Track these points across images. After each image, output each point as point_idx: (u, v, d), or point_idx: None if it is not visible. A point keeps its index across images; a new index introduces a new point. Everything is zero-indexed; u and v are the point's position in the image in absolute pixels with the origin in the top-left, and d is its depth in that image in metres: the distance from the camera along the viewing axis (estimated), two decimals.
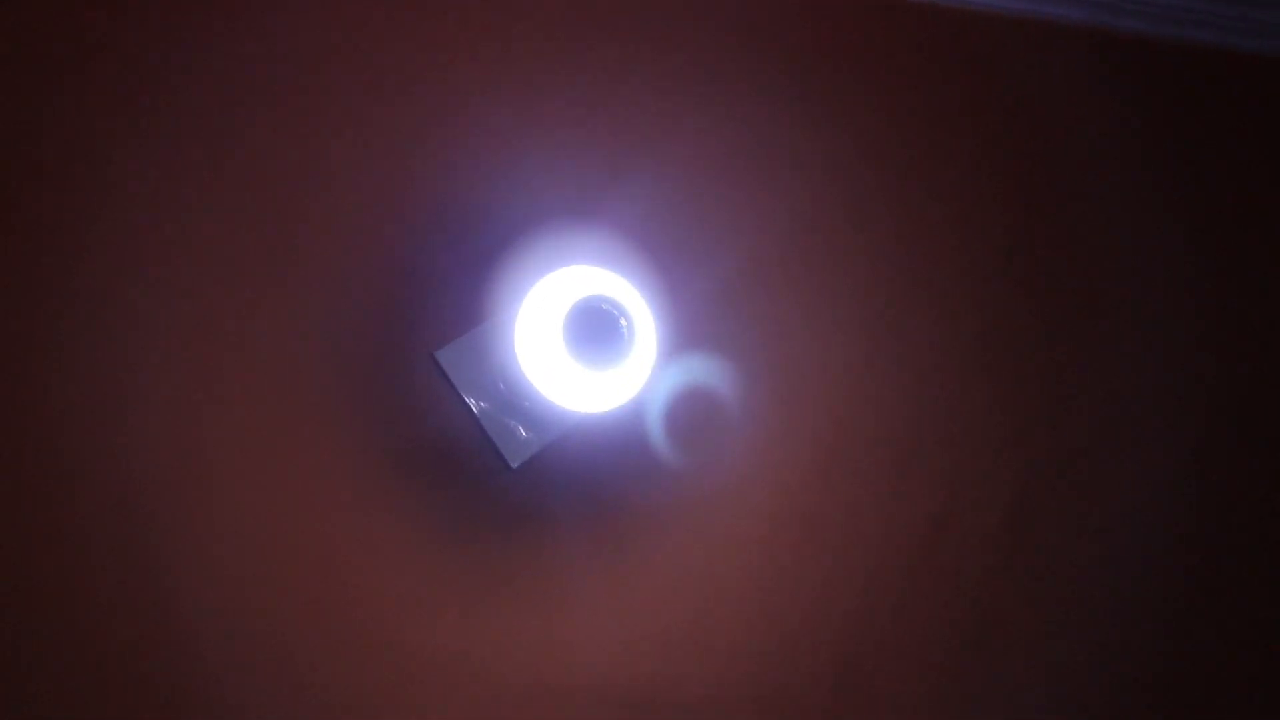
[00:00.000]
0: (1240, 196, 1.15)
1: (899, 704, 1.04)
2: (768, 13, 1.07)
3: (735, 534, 1.03)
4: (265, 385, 0.95)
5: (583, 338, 0.90)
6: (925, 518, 1.06)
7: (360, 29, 0.99)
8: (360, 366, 0.97)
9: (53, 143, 0.93)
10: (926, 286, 1.09)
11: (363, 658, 0.95)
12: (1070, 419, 1.09)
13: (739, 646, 1.01)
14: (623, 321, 0.91)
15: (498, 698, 0.97)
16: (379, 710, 0.95)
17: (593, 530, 1.00)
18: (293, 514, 0.95)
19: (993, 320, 1.09)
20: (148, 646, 0.92)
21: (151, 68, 0.95)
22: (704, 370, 1.02)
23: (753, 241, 1.05)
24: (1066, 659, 1.07)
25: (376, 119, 0.99)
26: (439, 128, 1.00)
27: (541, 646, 0.98)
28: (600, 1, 1.04)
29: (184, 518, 0.93)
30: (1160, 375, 1.12)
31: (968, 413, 1.08)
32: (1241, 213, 1.14)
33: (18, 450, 0.91)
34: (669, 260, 1.02)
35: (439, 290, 0.99)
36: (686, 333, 1.02)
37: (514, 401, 0.98)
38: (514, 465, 0.98)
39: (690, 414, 1.01)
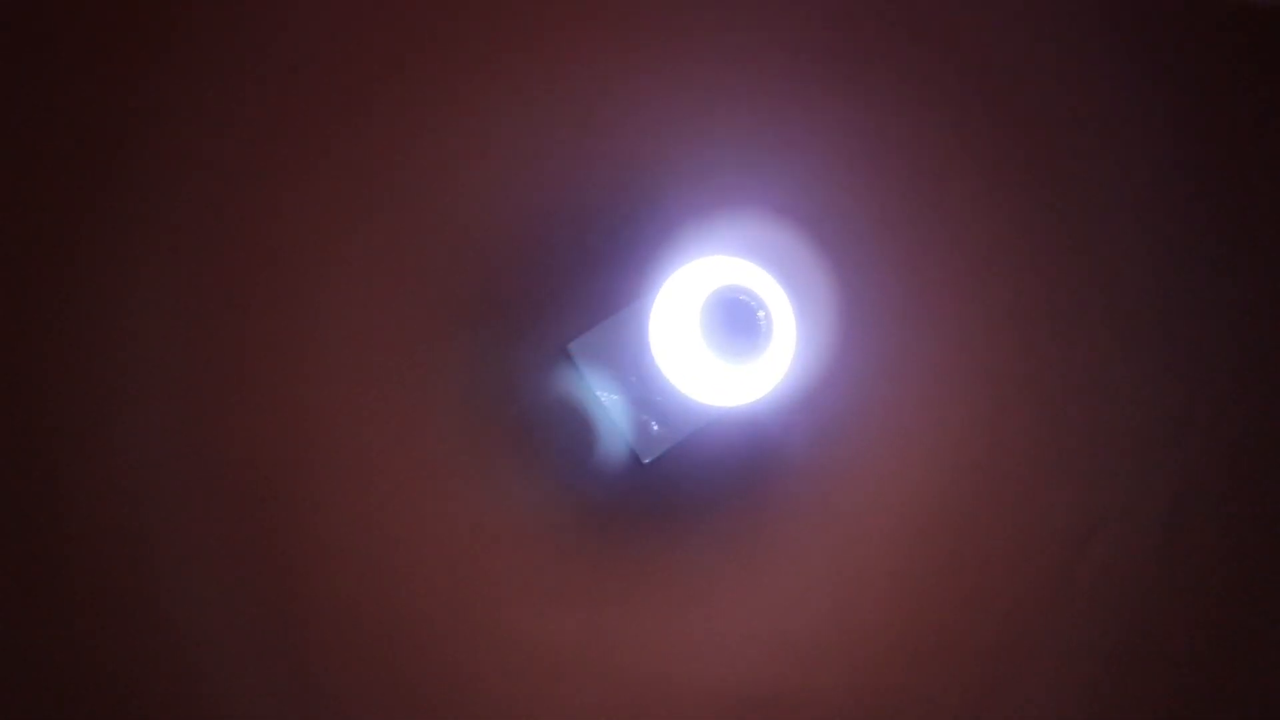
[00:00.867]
0: None
1: (1046, 709, 0.98)
2: None
3: (874, 534, 0.99)
4: (394, 376, 0.96)
5: (720, 330, 0.87)
6: (1077, 519, 1.00)
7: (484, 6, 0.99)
8: (491, 359, 0.96)
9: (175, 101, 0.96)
10: (1085, 280, 1.02)
11: (483, 649, 0.95)
12: (1235, 408, 1.01)
13: (876, 650, 0.98)
14: (761, 314, 0.87)
15: (619, 695, 0.96)
16: (496, 702, 0.95)
17: (725, 527, 0.97)
18: (418, 503, 0.95)
19: (1148, 300, 1.02)
20: (267, 625, 0.93)
21: (284, 41, 0.96)
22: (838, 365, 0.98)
23: (899, 236, 1.01)
24: (1228, 673, 0.99)
25: (507, 101, 0.98)
26: (572, 114, 0.99)
27: (667, 644, 0.96)
28: None
29: (306, 501, 0.94)
30: None
31: (1122, 408, 1.01)
32: None
33: (140, 426, 0.93)
34: (810, 252, 0.99)
35: (573, 281, 0.98)
36: (827, 326, 0.98)
37: (647, 395, 0.96)
38: (646, 460, 0.96)
39: (831, 410, 0.98)
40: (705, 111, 1.00)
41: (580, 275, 0.98)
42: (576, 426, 0.97)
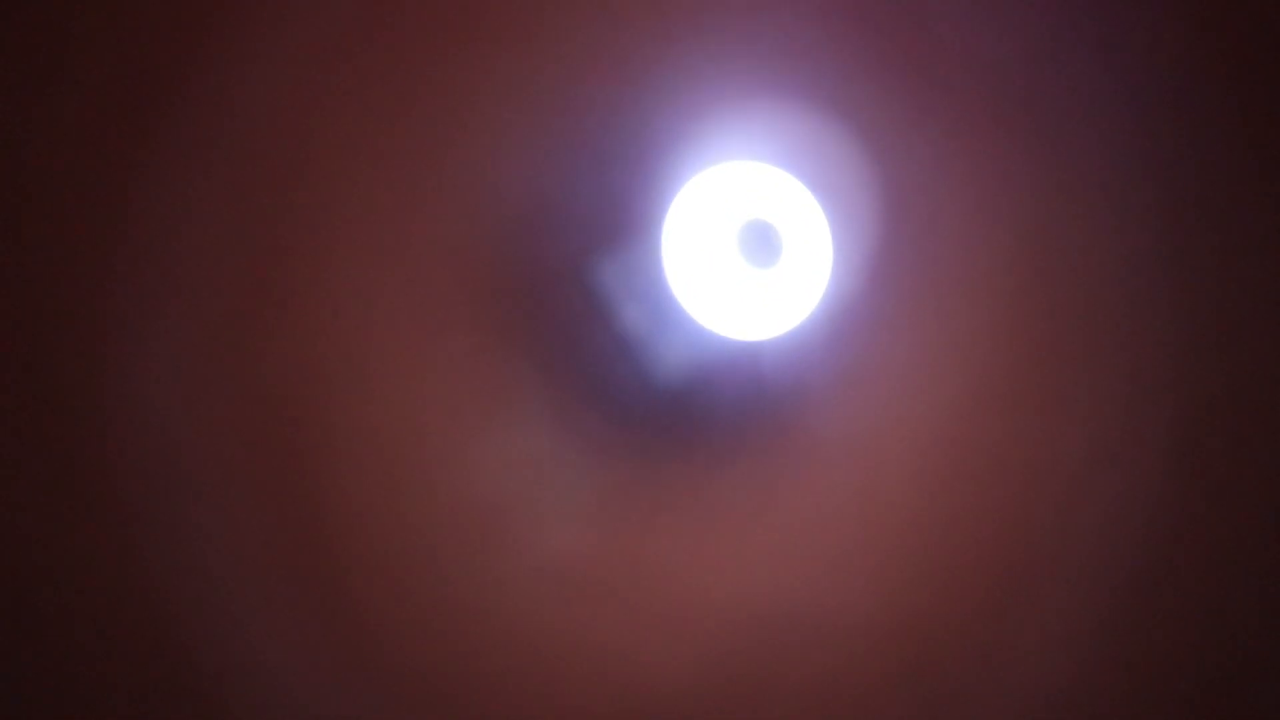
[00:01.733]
0: None
1: (1059, 634, 0.95)
2: None
3: (898, 464, 0.95)
4: (412, 297, 0.92)
5: (742, 250, 0.81)
6: (1086, 446, 0.95)
7: None
8: (505, 280, 0.92)
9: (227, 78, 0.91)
10: (1100, 197, 0.95)
11: (501, 572, 0.93)
12: (1247, 341, 0.95)
13: (896, 571, 0.94)
14: (788, 232, 0.80)
15: (640, 613, 0.94)
16: (514, 622, 0.93)
17: (744, 456, 0.93)
18: (437, 425, 0.92)
19: (1160, 236, 0.95)
20: (297, 537, 0.91)
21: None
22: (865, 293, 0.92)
23: (946, 140, 0.94)
24: (1240, 606, 0.95)
25: (518, 11, 0.92)
26: (587, 19, 0.92)
27: (685, 568, 0.94)
28: None
29: (328, 421, 0.92)
30: None
31: (1134, 337, 0.95)
32: None
33: (181, 338, 0.90)
34: (843, 160, 0.92)
35: (590, 197, 0.92)
36: (859, 246, 0.92)
37: (668, 320, 0.91)
38: (665, 387, 0.91)
39: (864, 340, 0.93)
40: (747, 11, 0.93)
41: (597, 190, 0.92)
42: (593, 351, 0.93)
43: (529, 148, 0.93)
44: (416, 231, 0.92)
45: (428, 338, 0.93)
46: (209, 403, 0.91)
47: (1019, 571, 0.96)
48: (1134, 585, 0.96)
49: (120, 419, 0.90)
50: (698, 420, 0.93)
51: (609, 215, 0.92)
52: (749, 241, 0.81)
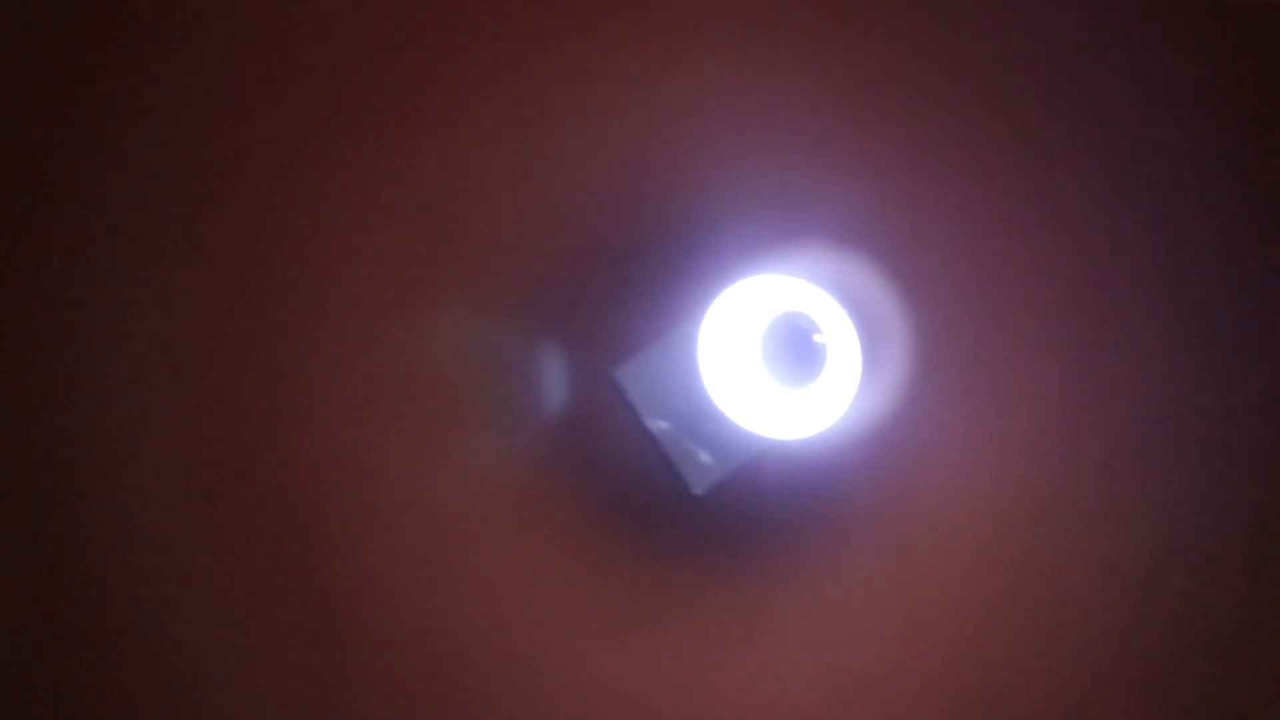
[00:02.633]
0: None
1: None
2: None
3: (937, 571, 0.93)
4: (435, 404, 0.92)
5: (775, 355, 0.83)
6: (1153, 550, 0.94)
7: (514, 27, 0.95)
8: (534, 385, 0.92)
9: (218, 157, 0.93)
10: (1154, 286, 0.96)
11: (525, 686, 0.91)
12: None
13: (941, 693, 0.92)
14: (818, 338, 0.82)
15: None
16: None
17: (779, 563, 0.92)
18: (460, 535, 0.91)
19: (1222, 318, 0.96)
20: (307, 651, 0.90)
21: (305, 85, 0.93)
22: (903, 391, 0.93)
23: (965, 249, 0.95)
24: None
25: (545, 115, 0.94)
26: (619, 124, 0.94)
27: (717, 686, 0.92)
28: None
29: (348, 531, 0.90)
30: None
31: (1201, 428, 0.95)
32: None
33: (184, 452, 0.90)
34: (874, 271, 0.93)
35: (619, 303, 0.93)
36: (893, 354, 0.93)
37: (699, 424, 0.91)
38: (697, 492, 0.91)
39: (895, 443, 0.93)
40: (763, 125, 0.95)
41: (627, 297, 0.93)
42: (623, 456, 0.92)
43: (569, 251, 0.93)
44: (437, 328, 0.92)
45: (450, 451, 0.91)
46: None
47: (1072, 687, 0.92)
48: (1199, 701, 0.92)
49: (119, 551, 0.88)
50: (731, 525, 0.92)
51: (646, 322, 0.93)
52: (782, 348, 0.82)
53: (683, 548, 0.92)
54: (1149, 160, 0.98)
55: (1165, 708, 0.93)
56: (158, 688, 0.89)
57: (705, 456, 0.91)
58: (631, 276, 0.93)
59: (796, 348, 0.83)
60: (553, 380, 0.93)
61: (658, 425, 0.91)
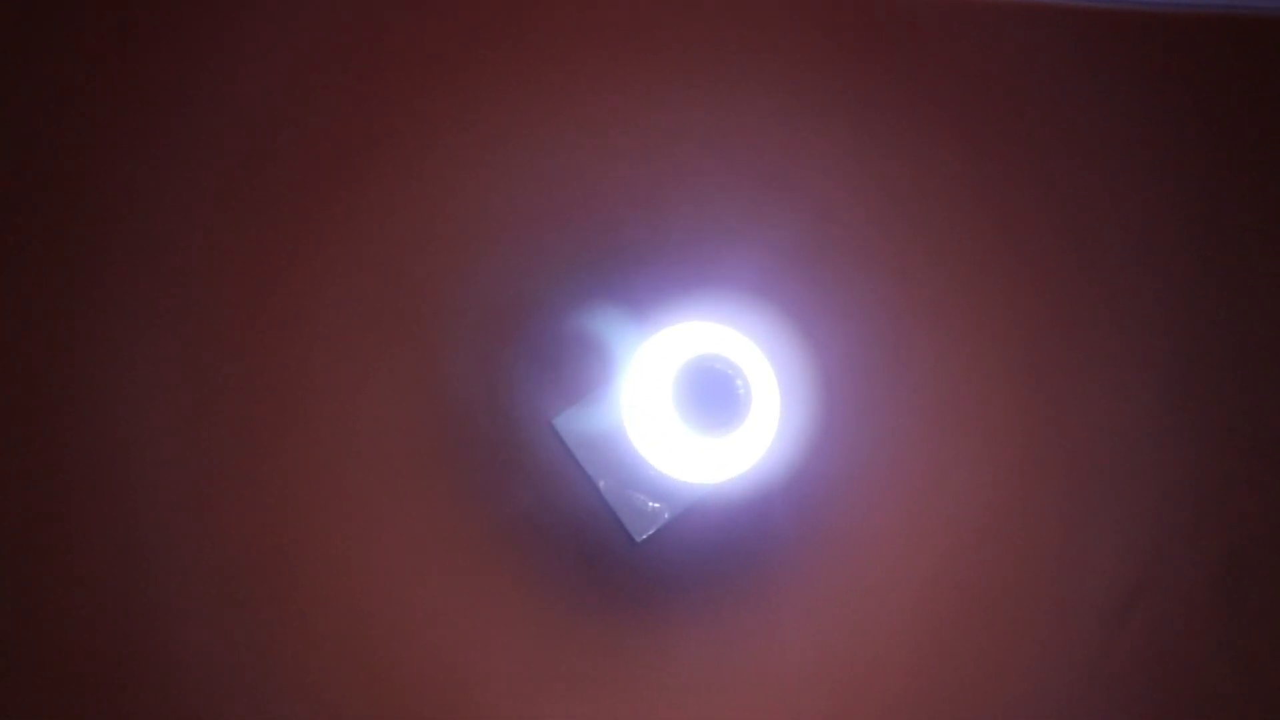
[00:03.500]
0: None
1: None
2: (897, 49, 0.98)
3: (885, 610, 0.92)
4: (373, 455, 0.92)
5: (696, 401, 0.83)
6: (1112, 587, 0.92)
7: (460, 82, 0.97)
8: (474, 435, 0.93)
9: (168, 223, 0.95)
10: (1106, 314, 0.95)
11: None
12: None
13: None
14: (739, 381, 0.82)
15: None
16: None
17: (722, 608, 0.92)
18: (403, 587, 0.91)
19: (1187, 344, 0.95)
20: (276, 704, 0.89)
21: (256, 135, 0.95)
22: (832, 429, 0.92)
23: (895, 285, 0.95)
24: None
25: (488, 174, 0.96)
26: (547, 178, 0.95)
27: None
28: (707, 46, 0.98)
29: (287, 586, 0.91)
30: None
31: (1162, 461, 0.93)
32: None
33: (156, 509, 0.91)
34: (794, 313, 0.93)
35: (559, 354, 0.94)
36: (816, 389, 0.93)
37: (639, 471, 0.92)
38: (638, 539, 0.91)
39: (827, 479, 0.92)
40: (695, 170, 0.96)
41: (567, 348, 0.94)
42: (564, 505, 0.92)
43: (491, 317, 0.94)
44: (384, 394, 0.92)
45: (390, 501, 0.92)
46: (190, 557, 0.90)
47: None
48: None
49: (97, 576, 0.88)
50: (672, 570, 0.92)
51: (571, 373, 0.93)
52: (704, 393, 0.83)
53: (627, 594, 0.92)
54: (1106, 182, 0.97)
55: None
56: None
57: (647, 503, 0.91)
58: (573, 326, 0.94)
59: (717, 393, 0.83)
60: (495, 429, 0.93)
61: (597, 474, 0.92)
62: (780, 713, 0.91)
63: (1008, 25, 0.98)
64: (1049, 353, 0.96)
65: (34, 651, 0.89)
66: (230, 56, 0.95)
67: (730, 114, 0.97)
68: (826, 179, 0.96)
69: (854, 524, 0.93)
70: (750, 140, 0.97)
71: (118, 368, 0.91)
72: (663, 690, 0.91)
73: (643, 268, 0.94)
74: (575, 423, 0.92)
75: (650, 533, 0.91)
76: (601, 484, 0.91)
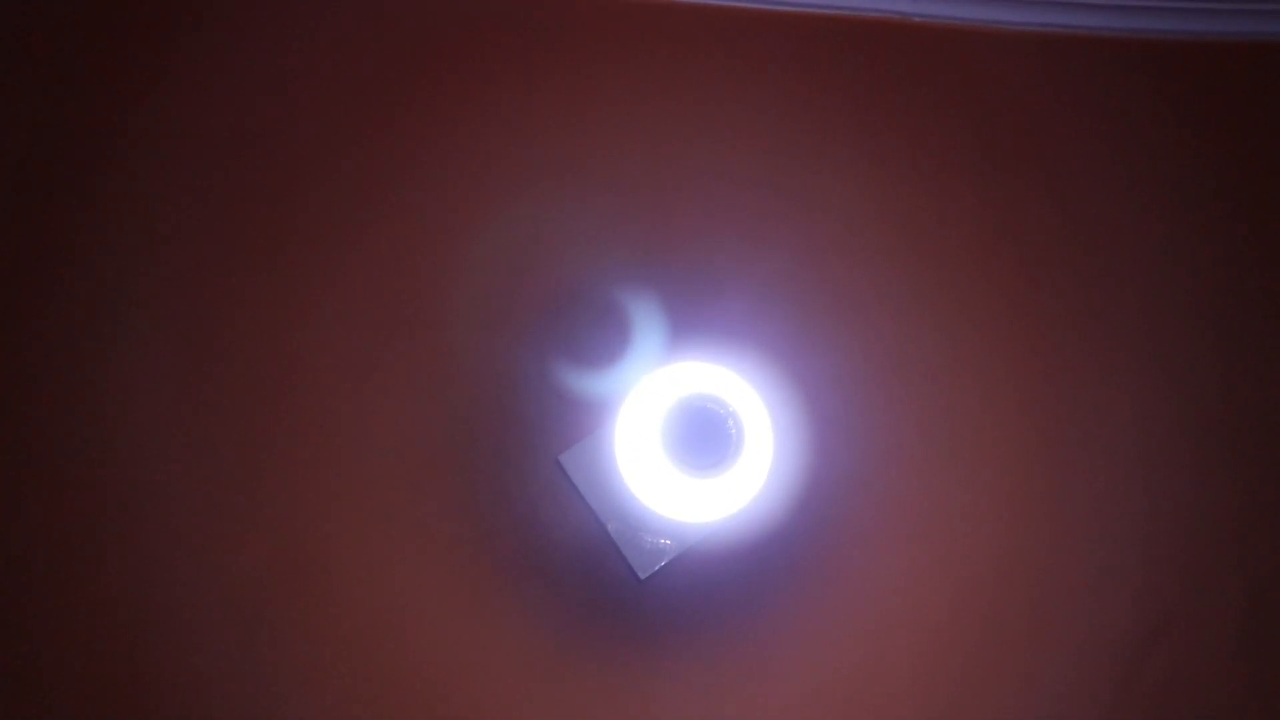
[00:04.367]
0: None
1: None
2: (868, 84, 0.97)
3: (896, 648, 0.91)
4: (382, 492, 0.94)
5: (689, 441, 0.83)
6: (1137, 622, 0.90)
7: (468, 129, 0.98)
8: (480, 471, 0.94)
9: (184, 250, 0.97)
10: (1128, 343, 0.94)
11: None
12: None
13: None
14: (730, 422, 0.83)
15: None
16: None
17: (728, 646, 0.91)
18: (407, 623, 0.92)
19: (1211, 374, 0.93)
20: None
21: (260, 173, 0.97)
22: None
23: (896, 329, 0.95)
24: None
25: (493, 214, 0.97)
26: (550, 223, 0.97)
27: None
28: (696, 87, 0.98)
29: (295, 618, 0.92)
30: None
31: (1187, 492, 0.91)
32: None
33: (134, 535, 0.92)
34: (787, 352, 0.93)
35: (565, 392, 0.95)
36: (810, 426, 0.92)
37: (643, 508, 0.92)
38: (642, 577, 0.92)
39: (827, 514, 0.91)
40: (689, 213, 0.97)
41: (575, 384, 0.95)
42: (568, 541, 0.93)
43: (523, 335, 0.95)
44: (384, 430, 0.94)
45: (395, 537, 0.93)
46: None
47: None
48: None
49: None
50: (676, 607, 0.92)
51: (566, 412, 0.94)
52: (696, 434, 0.83)
53: (632, 632, 0.92)
54: (1093, 224, 0.96)
55: None
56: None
57: (650, 541, 0.92)
58: (580, 368, 0.95)
59: (710, 432, 0.83)
60: (502, 465, 0.94)
61: (603, 511, 0.92)
62: None
63: (1009, 52, 0.97)
64: (1062, 387, 0.94)
65: (42, 662, 0.91)
66: (231, 56, 0.97)
67: (727, 156, 0.97)
68: (820, 220, 0.96)
69: (856, 561, 0.92)
70: (746, 181, 0.97)
71: (123, 374, 0.93)
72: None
73: (640, 309, 0.95)
74: (581, 459, 0.93)
75: (654, 570, 0.92)
76: (610, 526, 0.92)
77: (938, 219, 0.95)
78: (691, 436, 0.83)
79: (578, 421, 0.95)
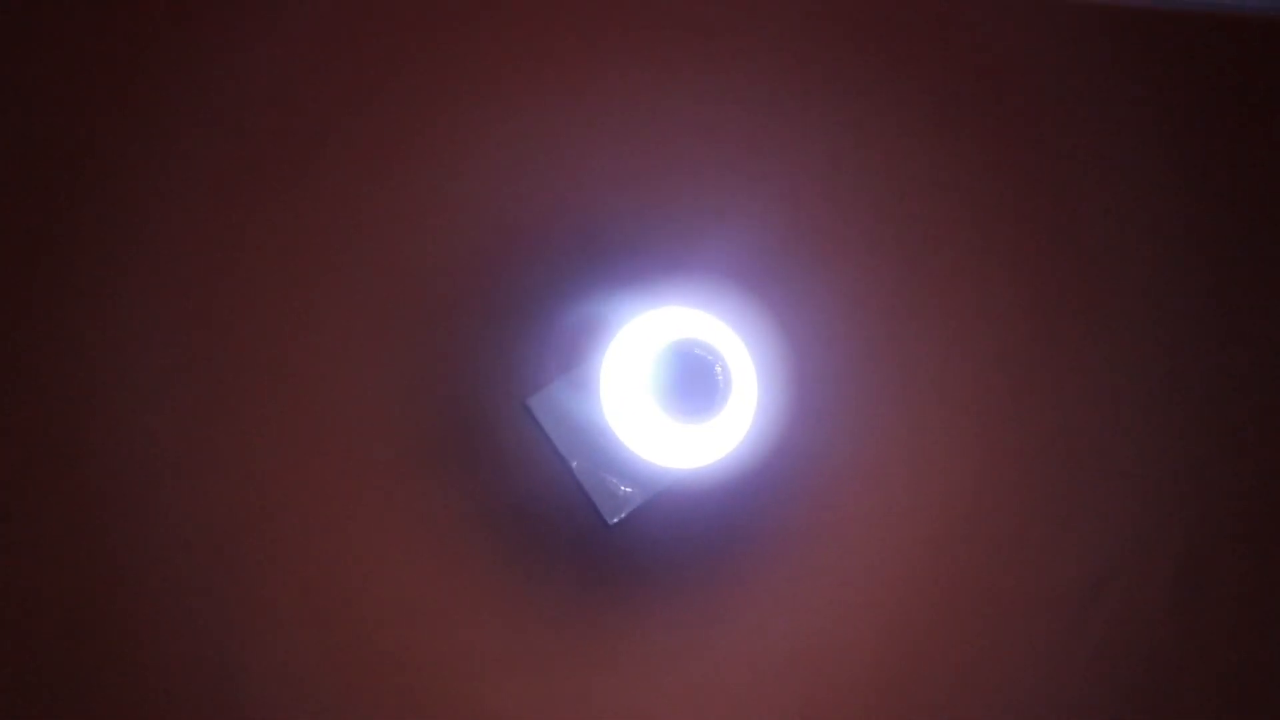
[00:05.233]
0: None
1: None
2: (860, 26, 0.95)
3: (856, 601, 0.92)
4: (346, 434, 0.91)
5: (675, 386, 0.81)
6: (1082, 576, 0.93)
7: (447, 71, 0.95)
8: (448, 414, 0.92)
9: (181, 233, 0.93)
10: (1076, 311, 0.95)
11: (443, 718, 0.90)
12: (1250, 453, 0.94)
13: (865, 713, 0.91)
14: (718, 368, 0.80)
15: None
16: None
17: (694, 594, 0.91)
18: (375, 568, 0.90)
19: (1155, 346, 0.96)
20: (211, 699, 0.88)
21: (239, 123, 0.93)
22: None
23: (867, 276, 0.94)
24: None
25: (462, 154, 0.94)
26: (528, 164, 0.94)
27: (641, 710, 0.90)
28: (688, 34, 0.95)
29: (260, 567, 0.89)
30: None
31: (1129, 456, 0.94)
32: None
33: (107, 484, 0.90)
34: (771, 299, 0.92)
35: (532, 334, 0.93)
36: (792, 377, 0.91)
37: (611, 453, 0.90)
38: (611, 522, 0.90)
39: (802, 464, 0.91)
40: (675, 161, 0.95)
41: (540, 329, 0.93)
42: (537, 486, 0.91)
43: (490, 282, 0.93)
44: (364, 374, 0.91)
45: (362, 480, 0.90)
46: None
47: (1006, 707, 0.91)
48: (1133, 716, 0.91)
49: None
50: (644, 553, 0.91)
51: (551, 354, 0.92)
52: (682, 380, 0.81)
53: (600, 577, 0.91)
54: (1094, 181, 0.98)
55: None
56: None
57: (618, 486, 0.90)
58: (547, 311, 0.93)
59: (696, 378, 0.81)
60: (469, 409, 0.92)
61: (570, 455, 0.90)
62: (750, 695, 0.91)
63: (998, 16, 0.96)
64: (1030, 351, 0.97)
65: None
66: (231, 55, 0.93)
67: (714, 102, 0.96)
68: (809, 167, 0.96)
69: (827, 512, 0.93)
70: (734, 127, 0.96)
71: (116, 368, 0.90)
72: (628, 672, 0.91)
73: (623, 251, 0.93)
74: (549, 403, 0.90)
75: (622, 516, 0.90)
76: (575, 465, 0.90)
77: (927, 172, 0.95)
78: (677, 381, 0.81)
79: (546, 367, 0.92)
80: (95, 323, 0.90)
